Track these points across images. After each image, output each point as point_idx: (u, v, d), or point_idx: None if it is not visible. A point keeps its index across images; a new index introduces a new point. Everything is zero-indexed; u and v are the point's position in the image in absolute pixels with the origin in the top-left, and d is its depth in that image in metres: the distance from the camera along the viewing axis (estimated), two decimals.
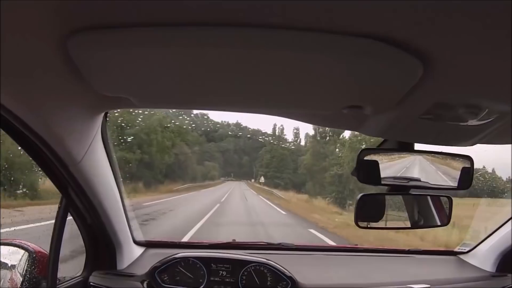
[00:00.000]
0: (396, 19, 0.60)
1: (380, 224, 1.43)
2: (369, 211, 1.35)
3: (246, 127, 39.83)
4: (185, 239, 6.47)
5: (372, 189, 1.37)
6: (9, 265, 1.45)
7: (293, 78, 0.79)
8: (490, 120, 0.98)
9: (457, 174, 1.28)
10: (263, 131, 39.18)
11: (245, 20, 0.63)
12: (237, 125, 39.01)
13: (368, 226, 1.39)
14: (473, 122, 0.99)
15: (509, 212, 1.88)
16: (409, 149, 1.23)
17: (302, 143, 34.87)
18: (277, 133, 35.78)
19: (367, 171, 1.22)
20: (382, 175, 1.23)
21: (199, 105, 1.11)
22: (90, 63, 0.75)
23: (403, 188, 1.28)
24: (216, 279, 1.65)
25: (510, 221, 1.86)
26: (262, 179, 32.13)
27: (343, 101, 0.90)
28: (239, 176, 38.03)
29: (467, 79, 0.79)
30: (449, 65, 0.73)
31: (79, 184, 1.26)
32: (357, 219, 1.32)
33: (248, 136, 39.23)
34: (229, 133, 37.53)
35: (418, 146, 1.24)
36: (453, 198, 1.44)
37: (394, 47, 0.66)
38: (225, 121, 37.48)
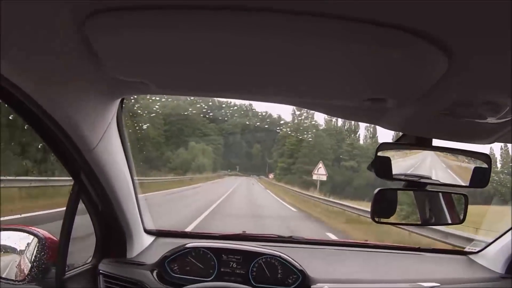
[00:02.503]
0: (425, 11, 0.59)
1: (392, 219, 1.42)
2: (383, 206, 1.35)
3: (256, 111, 27.07)
4: None
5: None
6: (18, 250, 1.46)
7: (317, 67, 0.78)
8: (511, 118, 0.96)
9: (470, 172, 1.27)
10: (277, 115, 26.97)
11: (267, 5, 0.61)
12: (246, 107, 26.37)
13: (381, 221, 1.38)
14: (493, 120, 0.98)
15: None
16: (427, 145, 1.22)
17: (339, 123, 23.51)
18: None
19: (381, 166, 1.21)
20: (394, 171, 1.22)
21: (216, 93, 1.10)
22: (108, 45, 0.75)
23: (418, 184, 1.27)
24: (226, 270, 1.65)
25: None
26: (321, 173, 14.82)
27: (367, 93, 0.89)
28: (247, 170, 26.41)
29: (491, 77, 0.78)
30: (474, 62, 0.72)
31: (92, 170, 1.26)
32: (373, 214, 1.31)
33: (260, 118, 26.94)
34: (235, 113, 25.57)
35: (435, 142, 1.23)
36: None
37: (422, 39, 0.66)
38: (230, 102, 25.13)
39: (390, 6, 0.59)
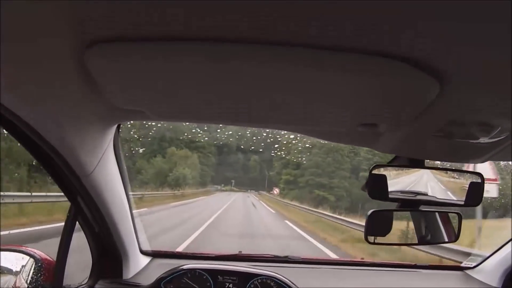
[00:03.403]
0: (413, 38, 0.61)
1: (387, 239, 1.42)
2: (377, 227, 1.35)
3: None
4: None
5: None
6: (14, 271, 1.45)
7: (309, 95, 0.80)
8: (503, 137, 0.98)
9: (465, 190, 1.28)
10: None
11: (260, 37, 0.63)
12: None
13: (375, 241, 1.38)
14: (485, 140, 1.00)
15: None
16: (420, 166, 1.23)
17: None
18: None
19: (375, 186, 1.22)
20: (390, 189, 1.23)
21: (212, 120, 1.12)
22: (106, 75, 0.76)
23: (412, 204, 1.28)
24: None
25: None
26: None
27: (359, 119, 0.91)
28: (244, 185, 22.77)
29: (482, 98, 0.79)
30: (464, 84, 0.73)
31: (89, 194, 1.26)
32: (367, 234, 1.32)
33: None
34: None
35: (428, 163, 1.25)
36: None
37: (411, 66, 0.67)
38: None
39: (379, 35, 0.61)
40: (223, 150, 21.97)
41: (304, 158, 18.24)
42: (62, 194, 1.30)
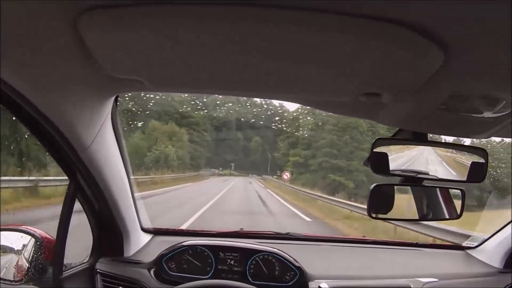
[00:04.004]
0: (420, 5, 0.59)
1: (389, 215, 1.42)
2: (380, 202, 1.34)
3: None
4: None
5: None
6: (16, 250, 1.45)
7: (311, 61, 0.77)
8: (507, 112, 0.96)
9: (467, 167, 1.27)
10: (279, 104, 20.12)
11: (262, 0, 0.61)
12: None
13: (378, 217, 1.38)
14: (489, 114, 0.98)
15: None
16: (423, 140, 1.21)
17: None
18: None
19: (377, 162, 1.21)
20: (391, 167, 1.21)
21: (211, 89, 1.10)
22: (101, 43, 0.74)
23: (415, 179, 1.27)
24: (223, 267, 1.65)
25: None
26: None
27: (362, 88, 0.89)
28: (245, 168, 19.89)
29: (486, 70, 0.78)
30: (469, 55, 0.72)
31: (87, 169, 1.25)
32: (370, 210, 1.31)
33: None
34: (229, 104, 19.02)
35: (432, 137, 1.23)
36: None
37: (417, 33, 0.65)
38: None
39: (384, 0, 0.59)
40: (221, 129, 19.06)
41: (314, 137, 15.49)
42: (60, 178, 1.30)
